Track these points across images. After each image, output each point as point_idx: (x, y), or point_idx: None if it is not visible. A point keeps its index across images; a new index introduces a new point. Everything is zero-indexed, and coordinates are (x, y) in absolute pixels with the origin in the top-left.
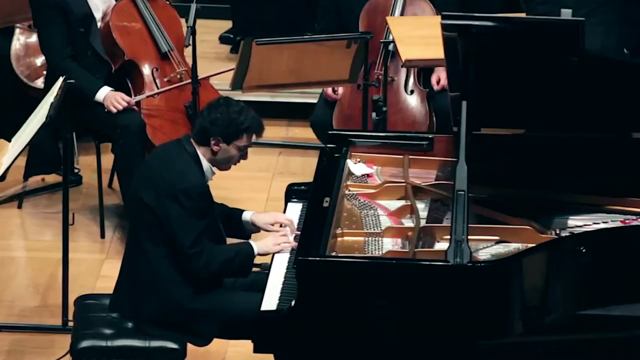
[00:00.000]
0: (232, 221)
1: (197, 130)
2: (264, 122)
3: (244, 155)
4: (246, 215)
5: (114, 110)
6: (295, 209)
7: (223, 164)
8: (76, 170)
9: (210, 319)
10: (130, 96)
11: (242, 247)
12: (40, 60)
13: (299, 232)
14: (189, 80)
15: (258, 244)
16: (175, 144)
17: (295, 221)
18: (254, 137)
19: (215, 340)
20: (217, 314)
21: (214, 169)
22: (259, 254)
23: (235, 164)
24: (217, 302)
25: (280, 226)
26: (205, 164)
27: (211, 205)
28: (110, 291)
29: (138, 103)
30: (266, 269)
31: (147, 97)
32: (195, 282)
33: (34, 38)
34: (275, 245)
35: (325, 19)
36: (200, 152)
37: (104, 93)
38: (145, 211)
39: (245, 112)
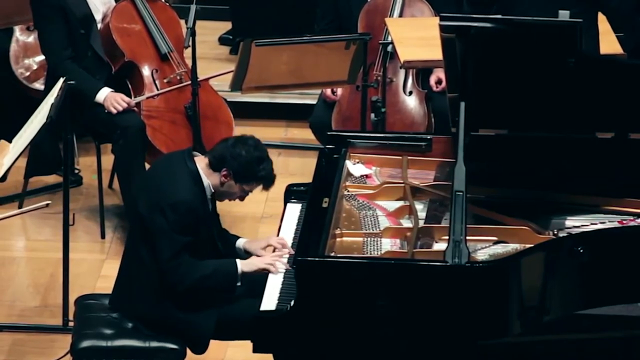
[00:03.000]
0: (227, 247)
1: (217, 155)
2: (263, 123)
3: (242, 197)
4: (239, 243)
5: (114, 111)
6: (294, 210)
7: (221, 196)
8: (76, 171)
9: (205, 326)
10: (130, 97)
11: (223, 263)
12: (38, 61)
13: (292, 252)
14: (189, 82)
15: (243, 261)
16: (176, 157)
17: (294, 222)
18: (260, 187)
19: (215, 341)
20: (212, 319)
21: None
22: (244, 272)
23: (229, 200)
24: (214, 307)
25: (274, 250)
26: (206, 181)
27: (205, 220)
28: (110, 291)
29: (138, 104)
30: None
31: (147, 98)
32: (182, 294)
33: (32, 38)
34: (264, 263)
35: (325, 20)
36: (206, 173)
37: (104, 94)
38: (141, 219)
39: (265, 163)
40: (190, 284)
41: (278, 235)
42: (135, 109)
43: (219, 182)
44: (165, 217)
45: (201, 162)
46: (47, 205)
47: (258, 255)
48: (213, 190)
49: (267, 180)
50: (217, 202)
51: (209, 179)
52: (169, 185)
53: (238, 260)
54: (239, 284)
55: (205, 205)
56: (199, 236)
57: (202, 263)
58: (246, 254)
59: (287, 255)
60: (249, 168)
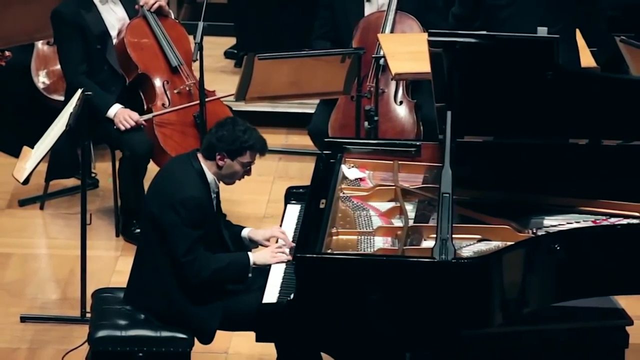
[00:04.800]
0: (233, 237)
1: (205, 145)
2: (265, 130)
3: (247, 172)
4: (244, 232)
5: (122, 128)
6: (294, 210)
7: (227, 179)
8: (93, 175)
9: (211, 320)
10: (142, 108)
11: (237, 256)
12: (57, 73)
13: (293, 244)
14: (197, 102)
15: (256, 255)
16: (182, 159)
17: (294, 221)
18: (257, 156)
19: (221, 331)
20: (218, 314)
21: (219, 183)
22: (257, 265)
23: (239, 179)
24: (220, 301)
25: (277, 241)
26: (210, 177)
27: (212, 216)
28: (124, 285)
29: (150, 112)
30: None
31: (154, 116)
32: (196, 287)
33: (51, 52)
34: (272, 257)
35: (322, 30)
36: (207, 166)
37: (115, 110)
38: (153, 219)
39: (249, 132)
40: (206, 277)
41: None
42: (144, 123)
43: (217, 167)
44: (177, 213)
45: (201, 159)
46: None
47: (264, 245)
48: (218, 183)
49: (258, 146)
50: (222, 202)
51: (210, 172)
52: (178, 184)
53: (250, 254)
54: (250, 275)
55: (210, 203)
56: (207, 231)
57: (216, 256)
58: (251, 243)
59: (288, 248)
60: (236, 142)
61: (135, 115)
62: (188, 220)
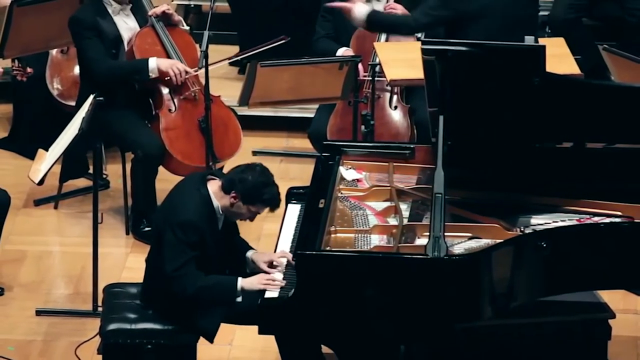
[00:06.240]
0: (239, 255)
1: (228, 179)
2: (267, 134)
3: (251, 218)
4: (249, 253)
5: (175, 80)
6: (294, 210)
7: (232, 216)
8: (104, 176)
9: (210, 328)
10: (151, 113)
11: (225, 278)
12: (71, 80)
13: (283, 284)
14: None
15: (245, 280)
16: (195, 179)
17: (294, 220)
18: (267, 210)
19: (226, 325)
20: (218, 320)
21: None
22: (245, 289)
23: (240, 220)
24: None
25: (272, 266)
26: (216, 203)
27: (213, 237)
28: (134, 280)
29: (158, 117)
30: None
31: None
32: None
33: (65, 59)
34: (259, 284)
35: (325, 31)
36: (218, 195)
37: (155, 61)
38: (158, 230)
39: (270, 187)
40: (191, 293)
41: (279, 234)
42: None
43: (229, 203)
44: (174, 233)
45: (214, 185)
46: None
47: (261, 267)
48: (222, 212)
49: (272, 202)
50: None
51: (220, 201)
52: (182, 205)
53: (239, 278)
54: (239, 299)
55: (214, 224)
56: (207, 252)
57: (205, 276)
58: (253, 264)
59: (281, 275)
60: (255, 191)
61: (185, 66)
62: (182, 242)
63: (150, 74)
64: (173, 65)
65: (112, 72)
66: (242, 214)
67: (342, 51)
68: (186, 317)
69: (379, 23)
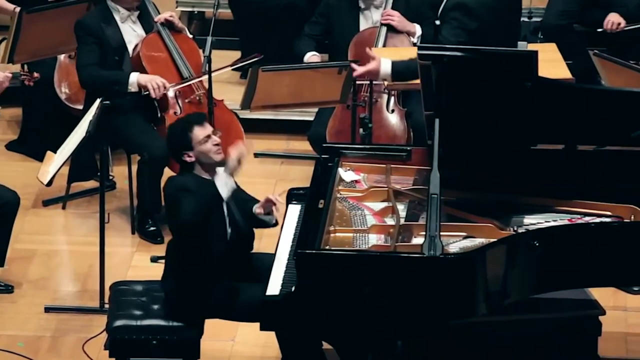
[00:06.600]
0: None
1: (169, 155)
2: (268, 136)
3: (216, 144)
4: (254, 208)
5: (154, 95)
6: (295, 210)
7: (209, 160)
8: (111, 177)
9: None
10: (157, 115)
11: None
12: (78, 84)
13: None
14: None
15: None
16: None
17: (295, 220)
18: (201, 126)
19: (228, 321)
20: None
21: (229, 182)
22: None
23: (217, 150)
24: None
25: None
26: (219, 182)
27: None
28: (140, 278)
29: (163, 120)
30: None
31: (178, 87)
32: (210, 287)
33: (73, 64)
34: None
35: (312, 32)
36: (199, 171)
37: (135, 76)
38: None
39: (176, 124)
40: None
41: (280, 234)
42: (170, 90)
43: (199, 162)
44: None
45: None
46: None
47: (259, 212)
48: (211, 177)
49: (192, 121)
50: None
51: (203, 173)
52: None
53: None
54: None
55: (216, 197)
56: (211, 221)
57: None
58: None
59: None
60: (176, 139)
61: (163, 80)
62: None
63: (130, 87)
64: (152, 80)
65: (94, 81)
66: (207, 150)
67: (308, 56)
68: (191, 312)
69: (403, 71)
